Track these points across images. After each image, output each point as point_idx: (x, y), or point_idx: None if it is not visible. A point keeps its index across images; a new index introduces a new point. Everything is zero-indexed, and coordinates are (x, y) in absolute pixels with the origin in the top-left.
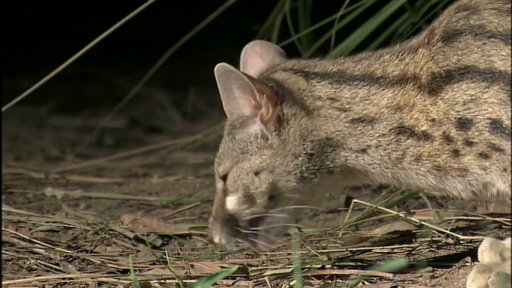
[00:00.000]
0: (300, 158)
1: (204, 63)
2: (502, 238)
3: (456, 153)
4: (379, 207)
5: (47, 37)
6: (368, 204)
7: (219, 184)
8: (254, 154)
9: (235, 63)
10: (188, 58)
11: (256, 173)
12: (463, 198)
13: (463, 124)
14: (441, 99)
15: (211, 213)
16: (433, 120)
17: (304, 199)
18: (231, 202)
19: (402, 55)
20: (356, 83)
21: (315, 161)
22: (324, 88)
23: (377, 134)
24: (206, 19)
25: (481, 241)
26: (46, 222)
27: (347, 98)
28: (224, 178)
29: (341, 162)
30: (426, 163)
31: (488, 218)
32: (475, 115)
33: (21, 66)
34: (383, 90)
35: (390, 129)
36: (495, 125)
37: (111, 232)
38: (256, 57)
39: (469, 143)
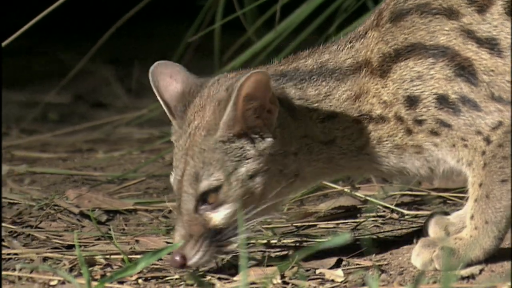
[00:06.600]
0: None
1: (149, 38)
2: (446, 213)
3: (409, 132)
4: (324, 182)
5: None
6: None
7: (190, 204)
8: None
9: (180, 39)
10: (133, 33)
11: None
12: (422, 175)
13: (411, 102)
14: (391, 80)
15: (178, 236)
16: (385, 102)
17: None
18: (223, 215)
19: (350, 42)
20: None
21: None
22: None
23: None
24: None
25: (426, 216)
26: None
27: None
28: (214, 190)
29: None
30: (387, 143)
31: (432, 193)
32: (422, 91)
33: None
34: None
35: (352, 120)
36: (441, 100)
37: (56, 207)
38: (167, 78)
39: (418, 122)
